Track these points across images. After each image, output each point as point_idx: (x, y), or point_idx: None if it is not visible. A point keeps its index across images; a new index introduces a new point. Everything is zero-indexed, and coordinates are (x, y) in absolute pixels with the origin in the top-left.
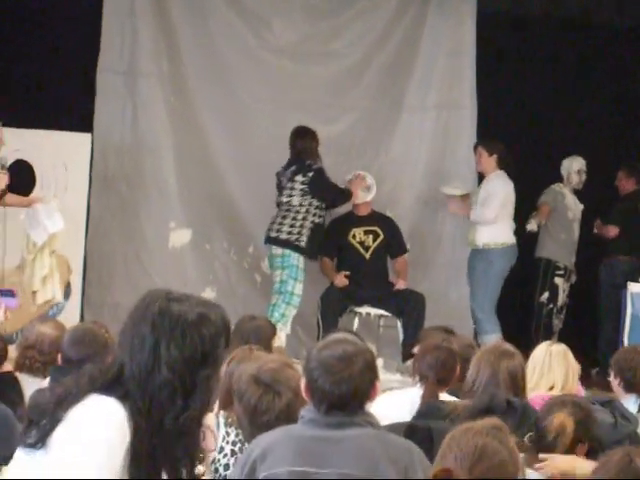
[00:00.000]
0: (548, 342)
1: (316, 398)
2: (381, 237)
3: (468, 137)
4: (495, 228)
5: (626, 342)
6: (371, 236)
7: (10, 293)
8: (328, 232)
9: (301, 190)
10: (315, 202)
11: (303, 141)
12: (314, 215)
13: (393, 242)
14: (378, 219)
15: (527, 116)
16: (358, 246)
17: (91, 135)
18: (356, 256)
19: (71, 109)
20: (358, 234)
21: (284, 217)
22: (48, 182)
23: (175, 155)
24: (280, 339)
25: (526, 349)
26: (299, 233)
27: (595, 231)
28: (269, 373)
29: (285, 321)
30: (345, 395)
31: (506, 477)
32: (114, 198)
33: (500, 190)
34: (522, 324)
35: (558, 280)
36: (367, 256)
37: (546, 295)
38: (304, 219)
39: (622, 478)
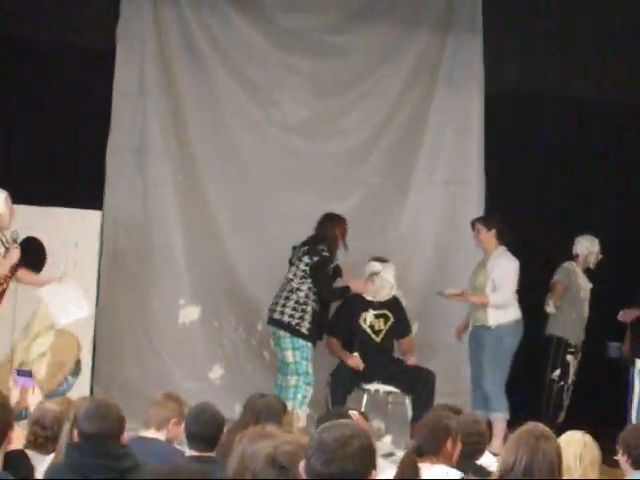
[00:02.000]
0: (582, 432)
1: (309, 478)
2: (391, 320)
3: (475, 213)
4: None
5: (634, 420)
6: (382, 320)
7: (29, 374)
8: (338, 315)
9: (303, 271)
10: (314, 287)
11: (326, 228)
12: (314, 301)
13: (400, 323)
14: (386, 301)
15: (534, 192)
16: (369, 330)
17: (101, 212)
18: (366, 339)
19: (81, 187)
20: (369, 318)
21: (287, 298)
22: (58, 259)
23: (184, 232)
24: (301, 420)
25: None
26: (300, 318)
27: None
28: (286, 456)
29: (306, 402)
30: (335, 475)
31: None
32: (124, 275)
33: (513, 271)
34: (531, 400)
35: (569, 357)
36: (378, 340)
37: (557, 372)
38: (305, 304)
39: None
